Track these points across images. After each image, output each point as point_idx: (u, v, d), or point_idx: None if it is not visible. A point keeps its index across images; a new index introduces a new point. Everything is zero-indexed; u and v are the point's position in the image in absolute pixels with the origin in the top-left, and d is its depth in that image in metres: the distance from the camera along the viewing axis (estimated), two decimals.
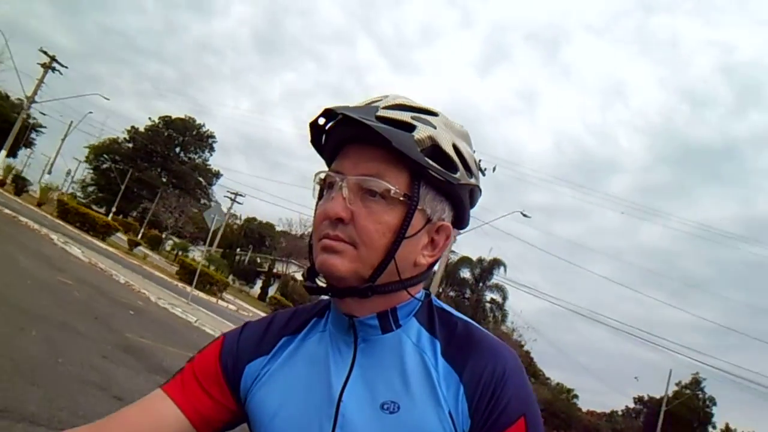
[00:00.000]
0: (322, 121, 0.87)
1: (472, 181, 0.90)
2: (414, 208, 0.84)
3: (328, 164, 0.92)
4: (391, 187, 0.82)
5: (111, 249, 24.41)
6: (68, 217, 26.35)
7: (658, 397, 52.25)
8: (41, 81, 33.14)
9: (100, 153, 63.80)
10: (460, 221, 0.94)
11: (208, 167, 71.80)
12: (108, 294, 11.69)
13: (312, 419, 0.87)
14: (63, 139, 45.92)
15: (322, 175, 0.90)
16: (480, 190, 0.94)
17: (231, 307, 25.28)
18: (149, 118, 68.55)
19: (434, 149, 0.84)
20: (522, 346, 47.14)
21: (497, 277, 48.18)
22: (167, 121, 68.90)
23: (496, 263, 48.61)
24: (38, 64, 33.19)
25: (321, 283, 0.88)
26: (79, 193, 63.95)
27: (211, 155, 72.66)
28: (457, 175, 0.87)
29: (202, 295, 23.11)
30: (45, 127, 59.22)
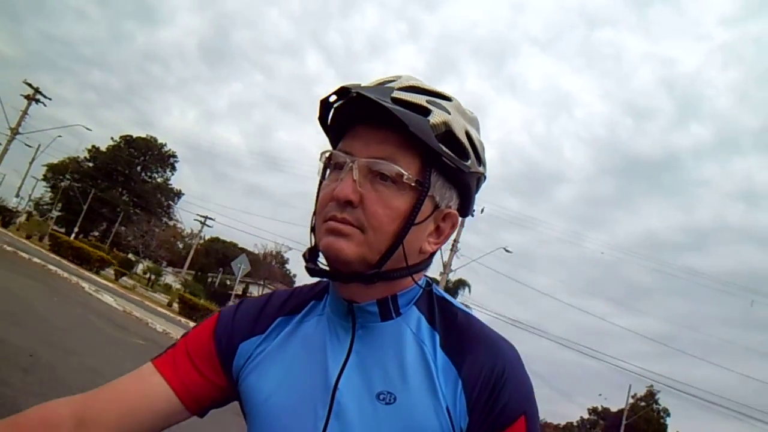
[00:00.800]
0: (333, 98, 0.83)
1: (481, 169, 0.89)
2: (425, 195, 0.82)
3: (333, 143, 0.89)
4: (404, 172, 0.80)
5: (107, 282, 24.87)
6: (61, 251, 26.71)
7: (612, 409, 54.75)
8: (25, 112, 33.27)
9: (58, 172, 62.79)
10: (465, 209, 0.92)
11: (169, 187, 71.57)
12: None
13: (307, 405, 0.85)
14: (31, 162, 45.32)
15: (329, 154, 0.86)
16: (485, 178, 0.92)
17: None
18: (111, 138, 67.81)
19: (448, 135, 0.82)
20: None
21: (462, 297, 50.32)
22: (128, 140, 68.25)
23: (461, 283, 50.74)
24: (21, 95, 33.31)
25: (323, 265, 0.85)
26: (34, 212, 62.70)
27: (173, 174, 72.57)
28: (468, 163, 0.85)
29: None
30: (0, 144, 58.23)
